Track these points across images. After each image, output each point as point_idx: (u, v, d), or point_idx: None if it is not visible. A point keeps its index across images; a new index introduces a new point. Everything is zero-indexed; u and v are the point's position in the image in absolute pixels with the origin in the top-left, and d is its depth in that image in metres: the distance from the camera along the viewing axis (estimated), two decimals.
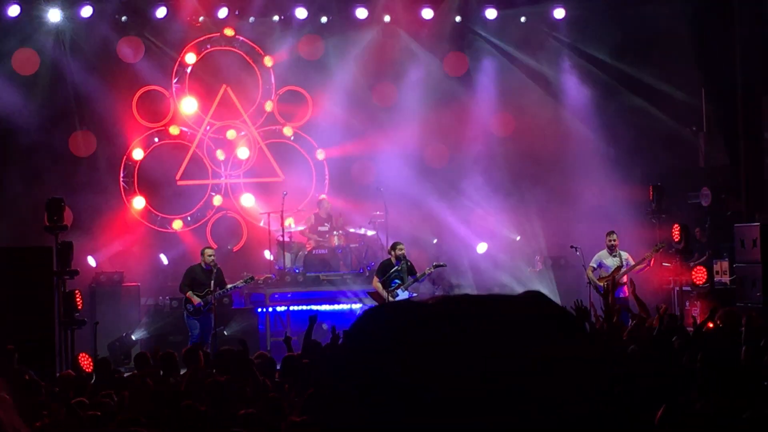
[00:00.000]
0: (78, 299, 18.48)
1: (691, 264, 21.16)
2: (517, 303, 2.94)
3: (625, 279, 19.54)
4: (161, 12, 23.70)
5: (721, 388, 8.35)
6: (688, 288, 20.90)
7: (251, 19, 24.57)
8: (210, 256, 19.95)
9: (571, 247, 21.02)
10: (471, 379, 2.58)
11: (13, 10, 22.63)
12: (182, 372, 13.43)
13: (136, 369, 13.93)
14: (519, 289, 15.61)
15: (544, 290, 20.24)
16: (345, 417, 2.61)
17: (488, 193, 24.27)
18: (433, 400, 2.51)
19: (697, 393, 8.48)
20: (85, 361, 16.14)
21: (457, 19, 25.04)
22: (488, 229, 24.37)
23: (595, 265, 20.20)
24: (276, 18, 24.65)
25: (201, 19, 24.23)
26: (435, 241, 24.28)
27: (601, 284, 19.46)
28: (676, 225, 21.26)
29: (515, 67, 24.96)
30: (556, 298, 22.05)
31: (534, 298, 2.95)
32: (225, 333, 20.34)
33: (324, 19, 24.73)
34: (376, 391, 2.62)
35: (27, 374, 12.63)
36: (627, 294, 18.68)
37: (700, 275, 20.74)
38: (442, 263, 20.76)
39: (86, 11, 23.14)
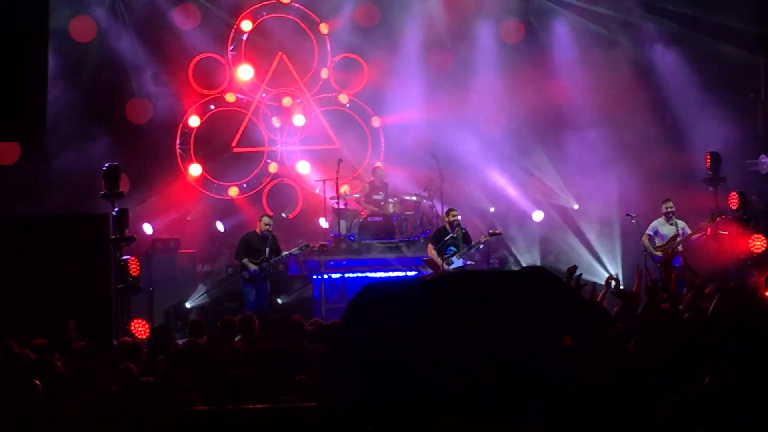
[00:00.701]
0: (134, 266, 18.60)
1: (750, 232, 20.85)
2: (516, 278, 2.91)
3: (681, 248, 19.37)
4: None
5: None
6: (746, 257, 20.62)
7: None
8: (267, 224, 20.00)
9: (627, 215, 20.87)
10: (472, 356, 2.55)
11: None
12: (237, 339, 13.47)
13: (192, 335, 13.98)
14: (575, 259, 15.46)
15: (603, 257, 20.18)
16: (348, 397, 2.59)
17: (544, 161, 24.12)
18: (435, 377, 2.49)
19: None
20: (141, 328, 16.25)
21: None
22: (545, 196, 24.21)
23: (651, 233, 20.04)
24: None
25: None
26: (492, 209, 24.16)
27: (657, 253, 19.30)
28: (733, 193, 20.95)
29: (573, 32, 24.64)
30: (614, 266, 21.99)
31: (534, 272, 2.92)
32: (279, 301, 20.42)
33: None
34: (376, 370, 2.59)
35: (81, 342, 12.70)
36: (683, 263, 18.52)
37: (759, 243, 20.46)
38: (497, 231, 20.68)
39: None
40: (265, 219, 20.18)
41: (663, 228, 19.97)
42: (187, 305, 21.01)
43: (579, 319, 2.61)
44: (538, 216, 23.93)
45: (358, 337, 2.64)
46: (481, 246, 20.38)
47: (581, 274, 12.01)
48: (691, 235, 19.87)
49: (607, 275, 12.99)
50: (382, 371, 2.54)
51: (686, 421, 7.05)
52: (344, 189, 23.11)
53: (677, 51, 23.85)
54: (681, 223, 20.02)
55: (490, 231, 20.54)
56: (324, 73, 25.09)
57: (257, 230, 20.02)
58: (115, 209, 18.80)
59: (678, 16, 23.81)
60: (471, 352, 2.59)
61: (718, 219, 20.20)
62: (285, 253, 20.04)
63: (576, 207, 23.96)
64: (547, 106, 24.45)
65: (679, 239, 19.71)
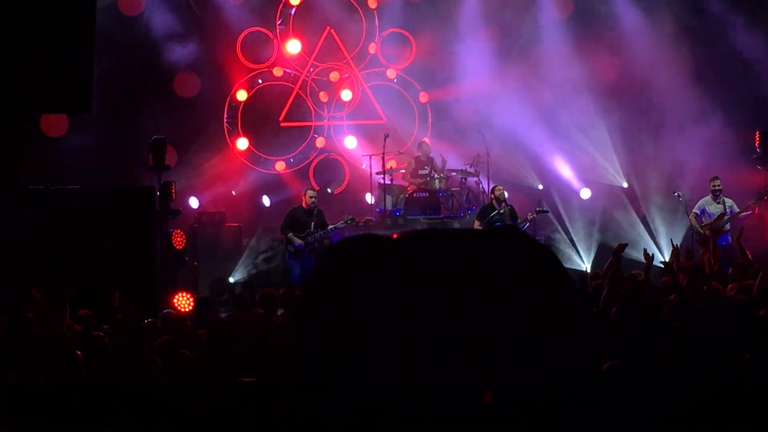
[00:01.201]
0: (179, 239, 18.70)
1: None
2: (488, 237, 2.85)
3: (728, 227, 19.23)
4: None
5: None
6: None
7: None
8: (312, 197, 20.00)
9: (674, 193, 20.73)
10: (438, 314, 2.50)
11: None
12: (279, 313, 13.50)
13: (235, 309, 14.00)
14: (620, 237, 15.33)
15: (657, 234, 19.98)
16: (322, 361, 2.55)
17: (593, 139, 23.98)
18: (401, 338, 2.44)
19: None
20: (185, 300, 16.32)
21: None
22: (594, 174, 24.09)
23: (698, 212, 19.87)
24: None
25: None
26: (540, 186, 24.08)
27: (703, 231, 19.16)
28: None
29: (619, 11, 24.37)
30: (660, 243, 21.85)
31: (508, 232, 2.86)
32: None
33: None
34: (344, 331, 2.56)
35: (126, 314, 12.76)
36: (731, 241, 18.41)
37: None
38: (545, 209, 20.56)
39: None
40: (310, 192, 20.18)
41: (710, 206, 19.80)
42: (231, 279, 21.08)
43: (550, 285, 2.55)
44: (585, 194, 23.83)
45: (322, 299, 2.61)
46: (527, 224, 20.30)
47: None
48: (738, 213, 19.69)
49: (645, 250, 12.82)
50: (345, 339, 2.51)
51: (722, 403, 7.00)
52: (391, 164, 23.10)
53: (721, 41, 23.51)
54: (729, 201, 19.84)
55: (537, 208, 20.46)
56: (372, 48, 25.05)
57: (303, 204, 20.03)
58: (162, 182, 18.89)
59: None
60: (436, 309, 2.54)
61: (766, 197, 20.01)
62: (330, 227, 20.02)
63: (625, 185, 23.81)
64: (596, 83, 24.20)
65: (726, 217, 19.53)
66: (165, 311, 13.92)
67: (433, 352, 2.54)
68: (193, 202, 22.61)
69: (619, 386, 7.05)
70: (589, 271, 13.11)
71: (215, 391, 8.74)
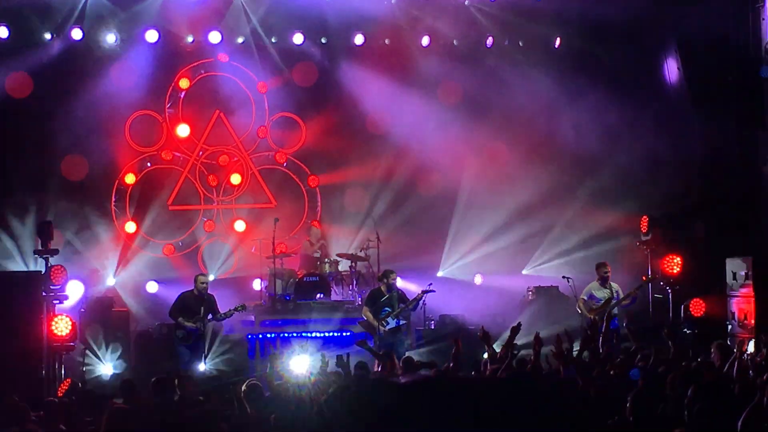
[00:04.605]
0: (66, 325, 18.33)
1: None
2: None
3: (616, 311, 19.48)
4: (152, 36, 23.59)
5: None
6: None
7: (240, 40, 24.41)
8: (203, 283, 19.83)
9: (563, 277, 20.94)
10: None
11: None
12: (175, 398, 13.31)
13: (122, 396, 13.77)
14: (517, 317, 15.33)
15: (533, 317, 20.13)
16: None
17: (484, 223, 24.30)
18: None
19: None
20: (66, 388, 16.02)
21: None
22: (487, 258, 24.37)
23: (585, 297, 20.07)
24: (272, 41, 24.50)
25: (190, 40, 24.09)
26: (440, 273, 24.34)
27: (590, 316, 19.35)
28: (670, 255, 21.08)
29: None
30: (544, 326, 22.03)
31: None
32: (211, 362, 20.01)
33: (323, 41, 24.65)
34: None
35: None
36: (618, 326, 18.69)
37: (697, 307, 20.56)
38: (430, 288, 20.48)
39: (76, 34, 23.12)
40: (201, 278, 19.99)
41: (597, 292, 19.99)
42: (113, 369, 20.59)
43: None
44: (478, 280, 24.25)
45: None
46: (421, 302, 20.32)
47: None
48: (622, 300, 19.89)
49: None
50: None
51: None
52: (280, 249, 22.97)
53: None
54: (615, 286, 20.06)
55: (423, 289, 20.41)
56: (261, 132, 25.07)
57: (194, 290, 19.81)
58: (49, 266, 18.60)
59: None
60: None
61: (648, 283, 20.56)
62: (221, 313, 19.78)
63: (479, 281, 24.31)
64: (489, 163, 24.44)
65: (613, 302, 19.74)
66: (47, 399, 13.68)
67: None
68: (79, 287, 22.17)
69: None
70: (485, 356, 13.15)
71: None
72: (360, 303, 21.77)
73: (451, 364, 12.67)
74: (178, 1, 23.40)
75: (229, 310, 19.80)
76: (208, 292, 19.86)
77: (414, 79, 24.47)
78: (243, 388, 12.37)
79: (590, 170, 23.62)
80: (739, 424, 7.75)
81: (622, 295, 19.97)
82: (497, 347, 13.22)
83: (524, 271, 24.50)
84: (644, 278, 20.83)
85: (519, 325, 12.53)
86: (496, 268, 24.26)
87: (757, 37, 21.59)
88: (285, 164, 25.34)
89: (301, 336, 21.06)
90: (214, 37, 23.92)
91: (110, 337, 20.72)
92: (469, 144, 24.40)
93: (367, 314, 19.77)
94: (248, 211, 25.00)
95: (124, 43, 23.60)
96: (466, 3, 24.20)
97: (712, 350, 13.77)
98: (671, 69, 23.27)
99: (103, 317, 21.21)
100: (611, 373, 11.68)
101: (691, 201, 22.86)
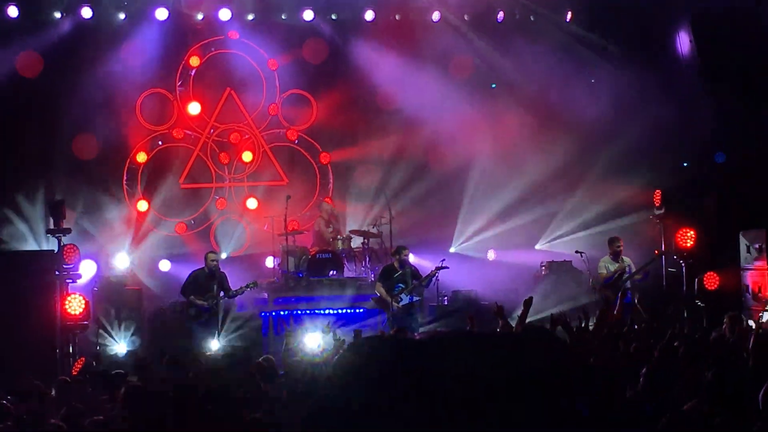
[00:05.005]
0: (79, 303, 18.35)
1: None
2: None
3: (628, 284, 19.45)
4: (162, 14, 23.56)
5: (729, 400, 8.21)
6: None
7: (251, 17, 24.37)
8: (213, 260, 19.84)
9: (576, 251, 20.89)
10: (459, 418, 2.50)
11: None
12: (189, 375, 13.32)
13: (137, 374, 13.80)
14: (530, 292, 15.32)
15: (546, 292, 20.13)
16: None
17: (496, 199, 24.27)
18: None
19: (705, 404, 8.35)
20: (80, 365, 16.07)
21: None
22: (500, 234, 24.35)
23: (604, 271, 20.01)
24: (282, 18, 24.47)
25: (200, 18, 24.07)
26: (453, 249, 24.31)
27: (604, 293, 19.32)
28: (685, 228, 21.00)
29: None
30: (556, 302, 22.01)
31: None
32: (225, 339, 20.07)
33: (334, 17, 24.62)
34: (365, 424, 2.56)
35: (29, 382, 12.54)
36: (631, 300, 18.68)
37: (711, 281, 20.51)
38: (444, 265, 20.43)
39: (86, 12, 23.11)
40: (211, 255, 20.00)
41: (610, 266, 19.97)
42: (136, 341, 20.67)
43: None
44: (491, 255, 24.22)
45: (346, 394, 2.61)
46: (434, 279, 20.27)
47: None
48: (633, 274, 19.86)
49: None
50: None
51: None
52: (292, 225, 22.98)
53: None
54: (627, 260, 20.04)
55: (437, 265, 20.35)
56: (272, 109, 25.03)
57: (204, 268, 19.82)
58: (62, 245, 18.62)
59: None
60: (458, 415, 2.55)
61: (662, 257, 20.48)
62: (233, 290, 19.80)
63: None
64: (501, 143, 24.38)
65: (625, 276, 19.72)
66: (60, 378, 13.70)
67: None
68: (93, 266, 22.19)
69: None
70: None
71: None
72: (373, 279, 21.77)
73: None
74: None
75: (241, 288, 19.85)
76: (221, 269, 19.88)
77: (425, 54, 24.37)
78: (257, 364, 12.40)
79: (603, 144, 23.44)
80: (760, 395, 7.71)
81: (634, 269, 19.94)
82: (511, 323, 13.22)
83: (537, 246, 24.48)
84: (656, 252, 20.80)
85: (531, 298, 12.53)
86: (508, 243, 24.24)
87: None
88: (296, 141, 25.31)
89: (315, 313, 21.06)
90: (224, 14, 23.92)
91: (123, 315, 20.75)
92: (480, 119, 24.31)
93: (380, 290, 19.77)
94: (261, 188, 24.99)
95: (133, 21, 23.59)
96: None
97: (725, 321, 13.80)
98: (683, 42, 23.14)
99: (116, 296, 21.24)
100: (630, 349, 11.65)
101: (704, 174, 22.72)
